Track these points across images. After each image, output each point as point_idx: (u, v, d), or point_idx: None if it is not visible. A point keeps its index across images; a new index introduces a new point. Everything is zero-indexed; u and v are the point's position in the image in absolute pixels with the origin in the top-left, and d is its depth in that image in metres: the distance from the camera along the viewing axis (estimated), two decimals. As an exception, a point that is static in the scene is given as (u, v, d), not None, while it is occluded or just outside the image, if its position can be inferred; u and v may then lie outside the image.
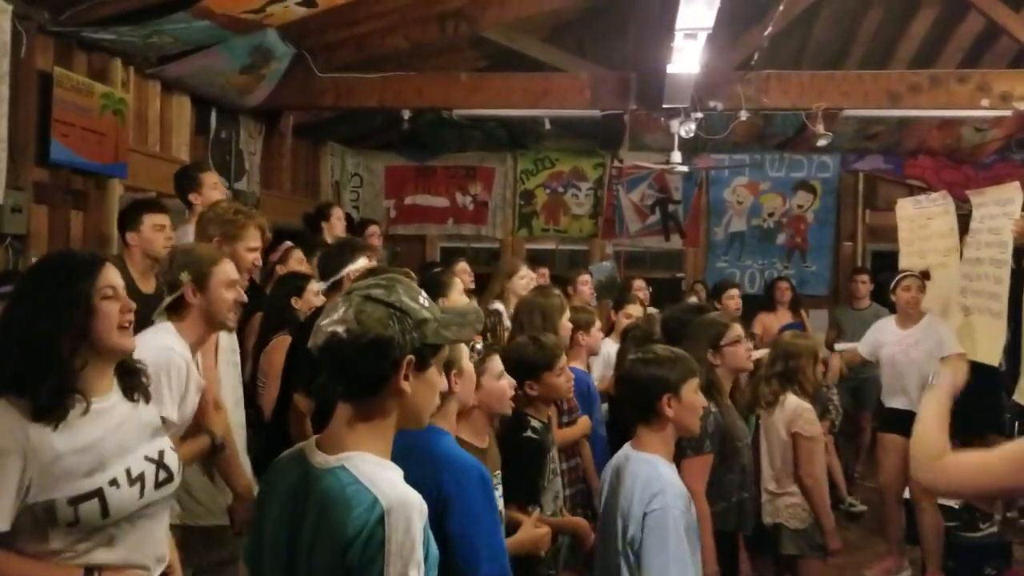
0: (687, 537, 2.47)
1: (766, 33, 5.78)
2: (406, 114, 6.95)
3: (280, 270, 4.63)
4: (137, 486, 2.04)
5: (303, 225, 5.99)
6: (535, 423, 3.39)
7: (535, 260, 8.19)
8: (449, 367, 2.26)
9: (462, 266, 5.47)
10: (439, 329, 1.65)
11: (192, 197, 4.30)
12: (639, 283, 6.50)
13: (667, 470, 2.60)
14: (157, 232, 4.03)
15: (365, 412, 1.62)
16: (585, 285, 5.84)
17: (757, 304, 7.87)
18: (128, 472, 2.02)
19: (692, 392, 2.71)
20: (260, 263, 3.36)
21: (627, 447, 2.75)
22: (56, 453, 1.88)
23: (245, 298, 2.91)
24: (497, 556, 2.12)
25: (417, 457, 1.67)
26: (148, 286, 3.90)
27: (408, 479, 1.71)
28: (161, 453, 2.14)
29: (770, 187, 9.60)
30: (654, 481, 2.52)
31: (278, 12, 5.36)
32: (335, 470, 1.57)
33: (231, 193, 6.56)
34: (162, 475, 2.11)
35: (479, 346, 2.82)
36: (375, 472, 1.57)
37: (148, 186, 5.71)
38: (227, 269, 2.83)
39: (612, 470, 2.79)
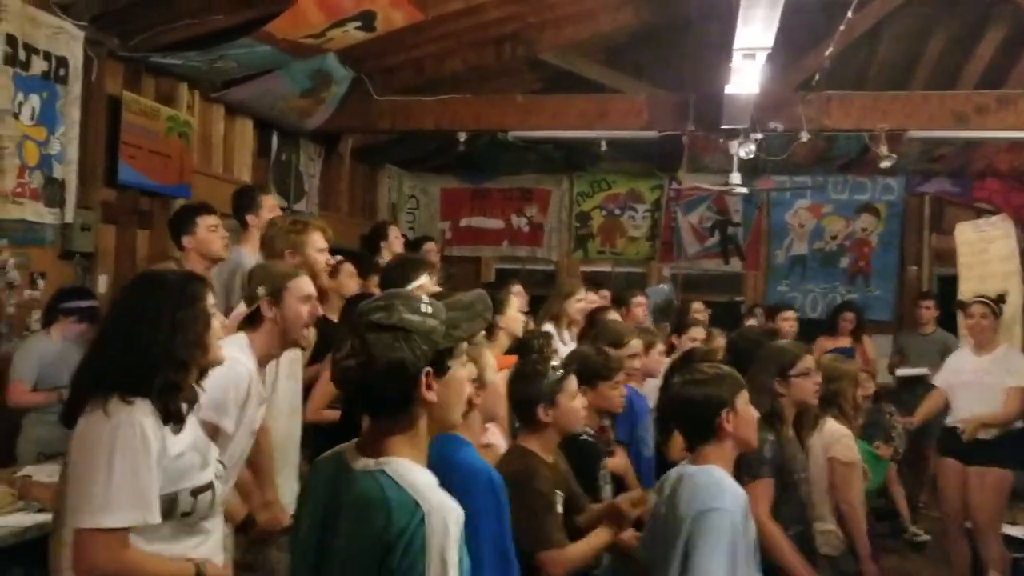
0: (746, 554, 2.44)
1: (827, 53, 5.69)
2: (462, 136, 7.01)
3: (331, 285, 4.66)
4: (221, 482, 2.26)
5: (361, 246, 6.07)
6: (587, 430, 3.40)
7: (592, 283, 8.15)
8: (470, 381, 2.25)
9: (517, 288, 5.44)
10: (449, 332, 1.66)
11: (249, 218, 4.38)
12: (698, 305, 6.41)
13: (727, 477, 2.58)
14: (212, 232, 4.14)
15: (396, 426, 1.65)
16: (640, 307, 5.78)
17: (818, 329, 7.72)
18: (217, 470, 2.26)
19: (745, 404, 2.71)
20: (333, 262, 3.45)
21: (684, 465, 2.72)
22: (179, 450, 2.10)
23: (320, 311, 2.97)
24: (501, 560, 2.12)
25: (435, 467, 1.68)
26: None
27: None
28: (218, 458, 2.32)
29: (833, 210, 9.42)
30: (712, 486, 2.52)
31: (337, 36, 5.46)
32: (375, 473, 1.59)
33: (289, 214, 6.67)
34: (223, 478, 2.31)
35: (559, 367, 2.83)
36: (415, 477, 1.59)
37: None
38: (303, 284, 2.90)
39: (668, 485, 2.74)
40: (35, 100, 4.46)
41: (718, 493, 2.50)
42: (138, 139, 5.25)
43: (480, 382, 2.27)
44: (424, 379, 1.61)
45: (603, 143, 7.37)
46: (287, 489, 3.23)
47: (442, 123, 6.87)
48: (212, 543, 2.23)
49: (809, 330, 7.77)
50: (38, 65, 4.47)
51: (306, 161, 7.33)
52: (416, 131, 7.29)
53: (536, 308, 5.60)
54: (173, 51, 5.24)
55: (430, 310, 1.65)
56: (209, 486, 2.17)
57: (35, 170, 4.50)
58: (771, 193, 9.30)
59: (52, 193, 4.63)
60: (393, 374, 1.59)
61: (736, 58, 4.95)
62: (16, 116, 4.35)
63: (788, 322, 6.60)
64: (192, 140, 5.79)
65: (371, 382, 1.60)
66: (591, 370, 3.37)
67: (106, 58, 5.04)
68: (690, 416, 2.71)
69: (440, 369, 1.64)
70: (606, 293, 6.46)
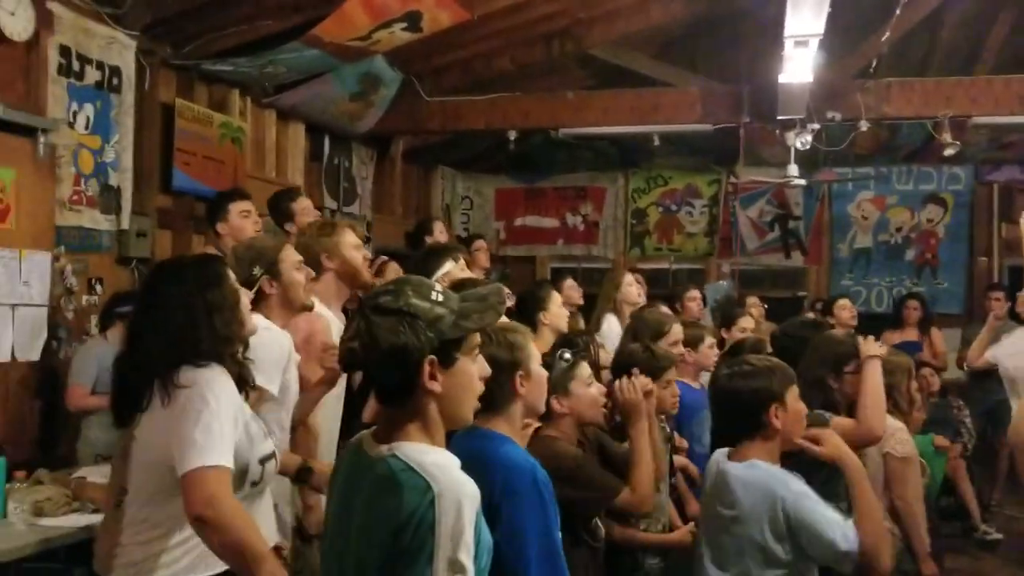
0: None
1: (884, 39, 5.52)
2: (512, 135, 6.98)
3: (379, 283, 4.68)
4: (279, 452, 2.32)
5: (406, 244, 6.10)
6: None
7: (649, 281, 8.07)
8: (514, 368, 2.21)
9: (570, 283, 5.41)
10: (458, 321, 1.62)
11: (287, 226, 4.42)
12: (753, 300, 6.29)
13: (773, 466, 2.51)
14: (244, 219, 4.16)
15: (405, 414, 1.63)
16: (693, 302, 5.67)
17: (885, 323, 7.51)
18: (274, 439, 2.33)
19: (795, 399, 2.60)
20: (371, 256, 3.49)
21: (724, 462, 2.62)
22: (247, 419, 2.16)
23: (313, 274, 3.03)
24: (549, 560, 2.07)
25: (473, 465, 1.65)
26: None
27: None
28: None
29: (897, 201, 9.14)
30: (776, 477, 2.46)
31: (384, 38, 5.47)
32: (387, 458, 1.58)
33: (340, 217, 6.71)
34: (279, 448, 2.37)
35: (568, 355, 2.75)
36: (426, 458, 1.57)
37: (264, 211, 5.89)
38: (293, 253, 2.97)
39: (709, 480, 2.70)
40: (89, 109, 4.56)
41: (782, 480, 2.45)
42: (192, 145, 5.34)
43: (525, 373, 2.24)
44: (427, 367, 1.58)
45: (656, 138, 7.27)
46: None
47: (492, 122, 6.87)
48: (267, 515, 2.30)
49: (875, 325, 7.56)
50: (92, 75, 4.57)
51: (358, 164, 7.38)
52: (466, 131, 7.29)
53: (591, 306, 5.55)
54: (224, 58, 5.31)
55: (440, 298, 1.62)
56: (272, 455, 2.23)
57: (91, 178, 4.61)
58: (832, 185, 9.07)
59: (108, 200, 4.73)
60: (394, 359, 1.57)
61: (788, 46, 4.83)
62: (71, 125, 4.45)
63: (846, 311, 6.37)
64: (245, 145, 5.86)
65: (373, 366, 1.60)
66: (638, 368, 3.30)
67: (159, 66, 5.12)
68: (737, 410, 2.60)
69: (446, 360, 1.61)
70: (639, 278, 6.38)
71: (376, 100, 6.50)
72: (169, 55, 5.17)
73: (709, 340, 4.32)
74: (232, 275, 2.28)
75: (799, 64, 5.13)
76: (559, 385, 2.69)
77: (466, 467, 2.06)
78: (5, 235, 4.03)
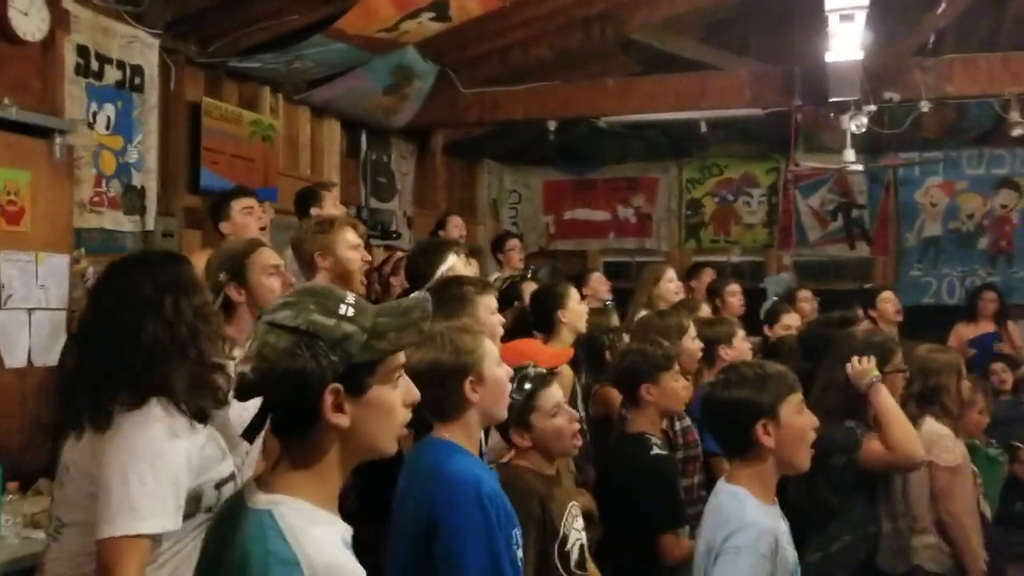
0: None
1: (938, 11, 5.17)
2: (551, 125, 6.78)
3: (395, 281, 4.56)
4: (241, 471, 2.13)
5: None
6: (656, 440, 3.15)
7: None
8: (462, 374, 2.03)
9: (596, 276, 5.24)
10: (370, 342, 1.34)
11: (314, 212, 4.29)
12: (805, 294, 5.96)
13: (753, 507, 2.16)
14: (247, 215, 4.00)
15: (299, 453, 1.37)
16: (734, 297, 5.39)
17: (957, 316, 7.11)
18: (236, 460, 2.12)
19: (794, 412, 2.21)
20: (369, 258, 3.31)
21: (720, 481, 2.37)
22: (200, 443, 1.95)
23: (293, 280, 2.73)
24: None
25: (422, 477, 1.49)
26: None
27: (410, 500, 1.76)
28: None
29: (968, 186, 8.64)
30: (734, 518, 2.14)
31: (412, 29, 5.33)
32: (261, 513, 1.33)
33: (365, 212, 6.60)
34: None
35: (528, 384, 2.47)
36: (303, 527, 1.32)
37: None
38: (264, 256, 2.66)
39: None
40: (110, 109, 4.51)
41: (737, 528, 2.11)
42: (220, 144, 5.27)
43: (477, 378, 2.06)
44: (328, 396, 1.32)
45: (703, 124, 6.99)
46: None
47: (531, 112, 6.68)
48: None
49: (946, 317, 7.19)
50: (111, 75, 4.52)
51: (398, 159, 7.27)
52: (505, 122, 7.12)
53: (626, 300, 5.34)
54: (250, 55, 5.23)
55: (350, 313, 1.36)
56: (231, 477, 2.02)
57: (113, 179, 4.55)
58: (898, 171, 8.64)
59: (131, 201, 4.68)
60: (289, 386, 1.31)
61: (832, 21, 4.53)
62: (91, 126, 4.40)
63: (890, 304, 5.86)
64: (277, 143, 5.78)
65: (267, 394, 1.35)
66: (651, 363, 3.14)
67: (184, 65, 5.06)
68: (720, 425, 2.33)
69: (355, 387, 1.35)
70: (710, 270, 6.09)
71: (411, 93, 6.36)
72: (195, 53, 5.11)
73: (741, 333, 4.09)
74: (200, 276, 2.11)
75: (846, 40, 4.81)
76: (517, 418, 2.44)
77: (417, 478, 1.98)
78: (20, 238, 3.98)
